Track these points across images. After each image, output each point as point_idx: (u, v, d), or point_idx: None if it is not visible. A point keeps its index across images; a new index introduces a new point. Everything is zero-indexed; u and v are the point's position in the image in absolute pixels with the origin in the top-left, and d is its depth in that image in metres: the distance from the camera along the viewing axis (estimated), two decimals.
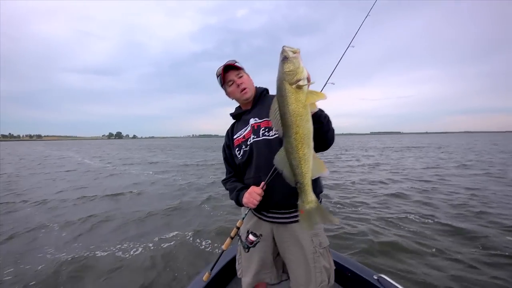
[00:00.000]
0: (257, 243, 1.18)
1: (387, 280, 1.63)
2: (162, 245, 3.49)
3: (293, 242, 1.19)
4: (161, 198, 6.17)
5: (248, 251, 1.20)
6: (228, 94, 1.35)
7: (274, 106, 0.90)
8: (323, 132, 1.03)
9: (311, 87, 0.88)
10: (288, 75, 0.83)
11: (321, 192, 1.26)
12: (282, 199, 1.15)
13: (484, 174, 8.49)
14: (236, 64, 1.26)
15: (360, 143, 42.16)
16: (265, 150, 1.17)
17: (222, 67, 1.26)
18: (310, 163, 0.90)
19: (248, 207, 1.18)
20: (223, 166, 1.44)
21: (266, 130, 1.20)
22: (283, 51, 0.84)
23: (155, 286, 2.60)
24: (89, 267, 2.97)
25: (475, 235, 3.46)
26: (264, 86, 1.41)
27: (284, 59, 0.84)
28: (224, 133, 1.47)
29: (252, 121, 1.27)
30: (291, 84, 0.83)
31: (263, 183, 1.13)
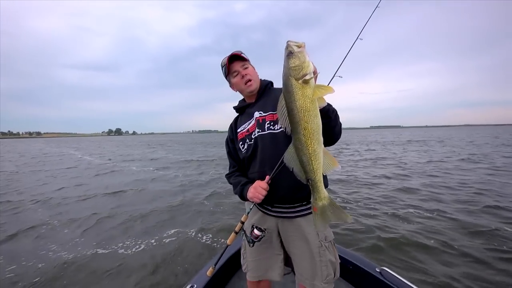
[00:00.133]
0: (262, 237, 1.18)
1: (389, 273, 1.63)
2: (165, 241, 3.51)
3: (299, 237, 1.19)
4: (163, 195, 6.19)
5: (253, 246, 1.20)
6: (232, 85, 1.32)
7: (281, 103, 0.88)
8: (330, 126, 1.01)
9: (318, 81, 0.87)
10: (294, 71, 0.81)
11: (327, 186, 1.26)
12: (287, 194, 1.15)
13: (490, 167, 8.39)
14: (242, 55, 1.23)
15: (360, 137, 42.13)
16: (270, 144, 1.15)
17: (227, 57, 1.22)
18: (321, 159, 0.88)
19: (252, 202, 1.17)
20: (224, 162, 1.43)
21: (271, 123, 1.17)
22: (288, 46, 0.82)
23: (159, 282, 2.63)
24: (92, 264, 2.99)
25: (483, 229, 3.42)
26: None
27: (289, 54, 0.82)
28: (224, 129, 1.44)
29: (256, 114, 1.24)
30: (297, 79, 0.82)
31: (268, 177, 1.11)
